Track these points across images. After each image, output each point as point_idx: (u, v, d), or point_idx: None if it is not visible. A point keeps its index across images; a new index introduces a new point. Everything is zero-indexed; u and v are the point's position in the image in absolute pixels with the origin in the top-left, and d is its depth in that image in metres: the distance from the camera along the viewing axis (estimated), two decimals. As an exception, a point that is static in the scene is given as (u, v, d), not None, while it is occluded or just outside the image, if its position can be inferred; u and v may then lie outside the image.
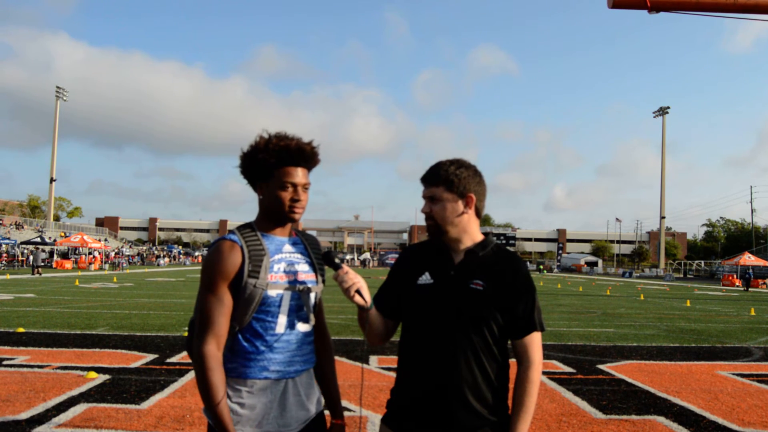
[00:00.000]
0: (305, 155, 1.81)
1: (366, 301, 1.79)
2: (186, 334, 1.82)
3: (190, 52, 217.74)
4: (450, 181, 1.82)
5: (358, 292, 1.77)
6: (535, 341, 1.81)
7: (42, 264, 33.06)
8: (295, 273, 1.84)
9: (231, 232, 1.81)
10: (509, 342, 1.84)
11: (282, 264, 1.82)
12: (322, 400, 1.98)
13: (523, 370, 1.80)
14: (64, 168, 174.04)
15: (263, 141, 1.80)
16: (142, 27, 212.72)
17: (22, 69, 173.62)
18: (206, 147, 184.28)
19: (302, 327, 1.85)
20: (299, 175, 1.82)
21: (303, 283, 1.85)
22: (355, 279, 1.77)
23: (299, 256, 1.89)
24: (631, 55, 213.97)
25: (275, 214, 1.83)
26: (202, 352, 1.68)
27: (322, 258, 1.94)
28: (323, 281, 1.96)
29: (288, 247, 1.87)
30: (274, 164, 1.78)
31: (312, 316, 1.88)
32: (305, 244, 1.95)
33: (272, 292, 1.77)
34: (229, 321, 1.73)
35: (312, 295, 1.88)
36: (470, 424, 1.74)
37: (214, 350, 1.69)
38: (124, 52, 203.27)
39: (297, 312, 1.83)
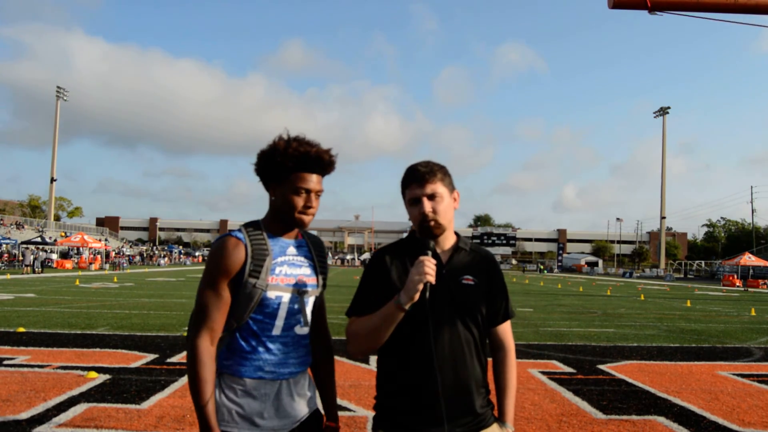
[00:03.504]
0: (323, 163, 1.82)
1: (413, 299, 1.67)
2: (186, 333, 1.83)
3: (210, 49, 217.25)
4: (443, 177, 1.85)
5: (425, 285, 1.66)
6: (509, 328, 1.98)
7: (31, 264, 33.14)
8: (297, 276, 1.85)
9: (238, 229, 1.82)
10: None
11: (284, 267, 1.83)
12: (316, 400, 1.98)
13: (504, 354, 1.94)
14: (75, 167, 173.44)
15: (283, 143, 1.78)
16: (163, 24, 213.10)
17: (40, 67, 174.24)
18: (219, 146, 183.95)
19: (299, 330, 1.86)
20: (314, 181, 1.82)
21: (303, 286, 1.86)
22: (433, 273, 1.67)
23: (302, 259, 1.90)
24: (656, 53, 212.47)
25: (285, 216, 1.83)
26: (195, 344, 1.70)
27: (422, 245, 1.80)
28: (324, 285, 1.96)
29: (292, 250, 1.88)
30: (291, 168, 1.78)
31: (309, 320, 1.89)
32: (309, 246, 1.96)
33: (271, 294, 1.78)
34: (225, 317, 1.75)
35: (311, 299, 1.89)
36: (479, 413, 1.81)
37: (208, 344, 1.71)
38: (143, 50, 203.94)
39: (295, 315, 1.84)
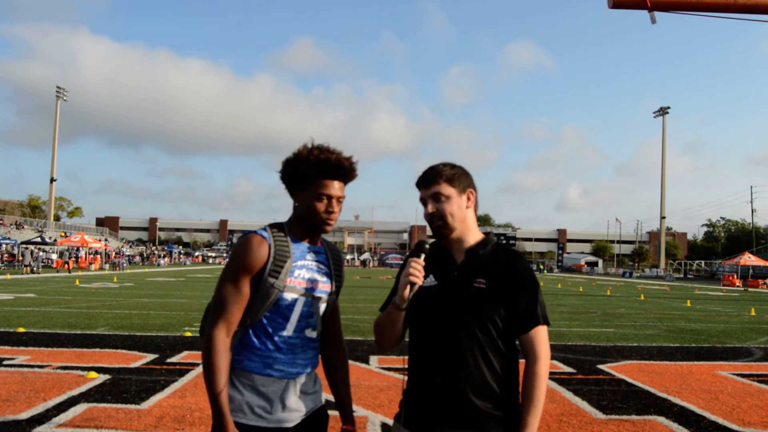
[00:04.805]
0: (343, 170, 1.88)
1: (405, 299, 1.76)
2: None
3: (216, 48, 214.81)
4: (451, 177, 1.85)
5: (411, 285, 1.74)
6: (540, 336, 1.82)
7: (32, 264, 33.17)
8: (313, 281, 1.91)
9: (263, 228, 1.89)
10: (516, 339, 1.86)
11: (302, 270, 1.89)
12: (322, 398, 2.02)
13: (530, 364, 1.82)
14: (79, 167, 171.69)
15: (306, 151, 1.87)
16: (170, 22, 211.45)
17: (44, 66, 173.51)
18: (223, 146, 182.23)
19: (310, 333, 1.91)
20: (335, 188, 1.89)
21: (318, 291, 1.92)
22: (418, 274, 1.74)
23: (320, 265, 1.96)
24: (662, 52, 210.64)
25: (307, 222, 1.91)
26: (211, 334, 1.77)
27: (416, 246, 1.91)
28: (338, 292, 2.02)
29: (311, 255, 1.94)
30: (313, 175, 1.86)
31: (320, 324, 1.95)
32: (327, 253, 2.02)
33: (287, 296, 1.84)
34: (242, 311, 1.81)
35: (323, 304, 1.95)
36: (482, 420, 1.76)
37: (223, 335, 1.77)
38: (150, 49, 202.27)
39: (307, 318, 1.89)
